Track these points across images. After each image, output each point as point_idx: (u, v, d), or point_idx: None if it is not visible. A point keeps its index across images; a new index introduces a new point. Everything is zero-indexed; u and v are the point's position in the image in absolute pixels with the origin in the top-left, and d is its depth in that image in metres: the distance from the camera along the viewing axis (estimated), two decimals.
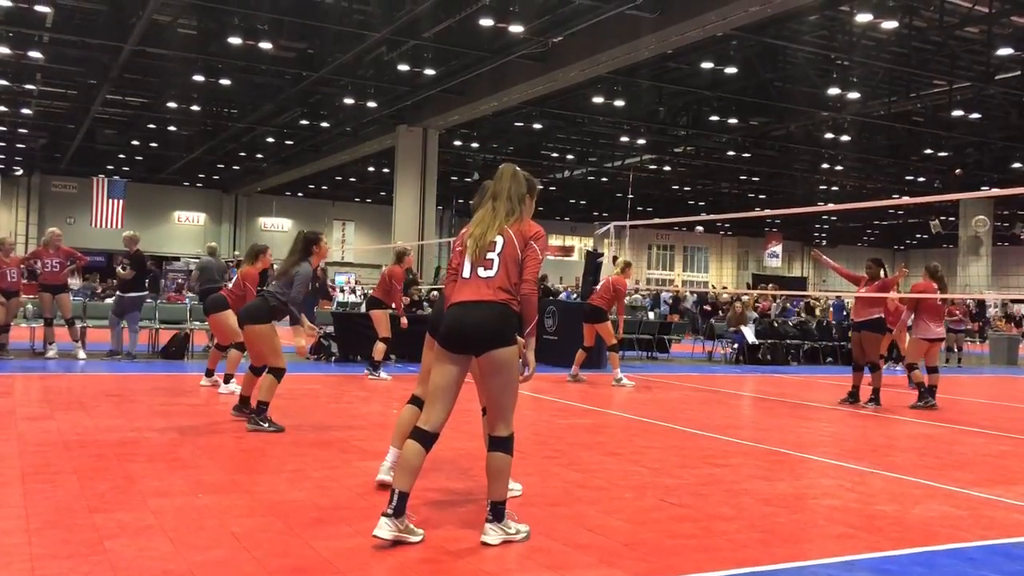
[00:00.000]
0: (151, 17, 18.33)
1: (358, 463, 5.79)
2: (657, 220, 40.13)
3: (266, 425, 6.87)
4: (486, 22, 18.58)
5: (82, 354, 12.36)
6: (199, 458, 5.77)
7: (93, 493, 4.64)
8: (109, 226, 34.12)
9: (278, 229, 49.97)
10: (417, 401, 4.82)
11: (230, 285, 9.44)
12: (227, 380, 9.28)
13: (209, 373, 9.70)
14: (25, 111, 30.55)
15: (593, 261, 16.03)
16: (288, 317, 7.14)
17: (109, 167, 40.87)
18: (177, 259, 42.44)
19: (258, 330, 7.08)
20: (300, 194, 49.33)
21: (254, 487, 4.97)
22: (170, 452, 5.90)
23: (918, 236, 55.95)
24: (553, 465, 5.99)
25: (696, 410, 9.78)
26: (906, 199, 33.54)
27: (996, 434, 8.66)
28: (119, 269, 12.67)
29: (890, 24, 18.53)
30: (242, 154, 38.60)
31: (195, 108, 29.36)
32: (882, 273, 10.78)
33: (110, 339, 12.74)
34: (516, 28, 18.45)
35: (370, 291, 19.32)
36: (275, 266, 8.05)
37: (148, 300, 13.69)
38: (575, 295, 23.49)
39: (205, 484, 4.99)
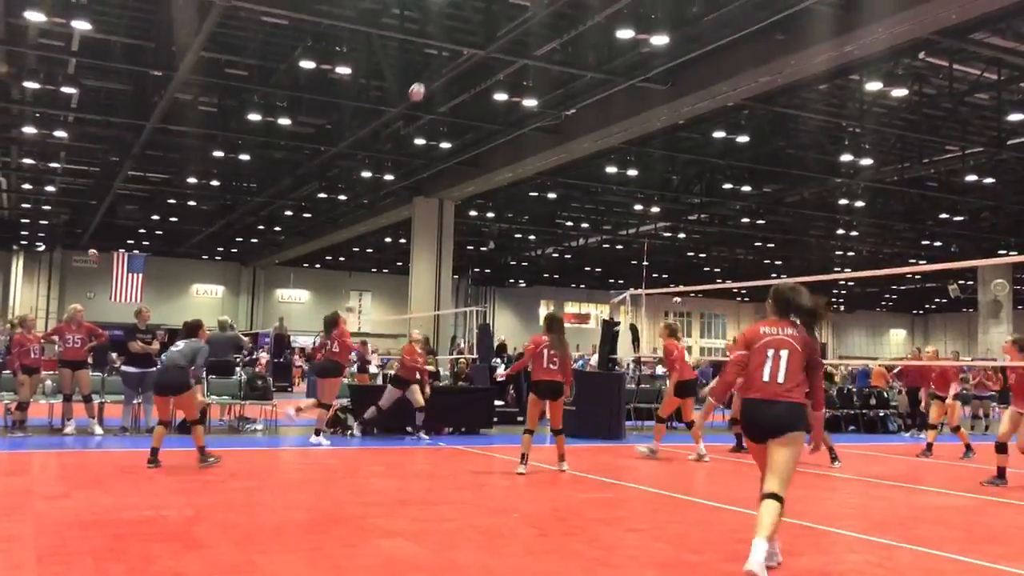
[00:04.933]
0: (173, 95, 18.79)
1: (375, 541, 5.72)
2: (671, 288, 40.16)
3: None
4: (500, 96, 18.91)
5: (99, 430, 12.35)
6: (216, 537, 5.72)
7: (110, 574, 4.59)
8: (128, 300, 34.43)
9: (295, 300, 50.25)
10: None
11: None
12: (317, 433, 11.69)
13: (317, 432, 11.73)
14: (49, 188, 31.14)
15: (610, 330, 15.99)
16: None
17: (129, 241, 41.44)
18: None
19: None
20: (317, 265, 49.74)
21: (270, 567, 4.91)
22: (187, 531, 5.85)
23: (937, 300, 55.62)
24: (573, 542, 5.89)
25: (718, 482, 9.64)
26: (923, 265, 33.41)
27: None
28: (145, 343, 12.48)
29: (900, 92, 18.73)
30: (260, 227, 39.06)
31: (214, 183, 29.85)
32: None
33: (123, 415, 12.69)
34: (530, 102, 18.76)
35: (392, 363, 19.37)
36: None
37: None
38: (591, 361, 23.38)
39: (222, 564, 4.94)
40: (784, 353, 5.04)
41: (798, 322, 5.20)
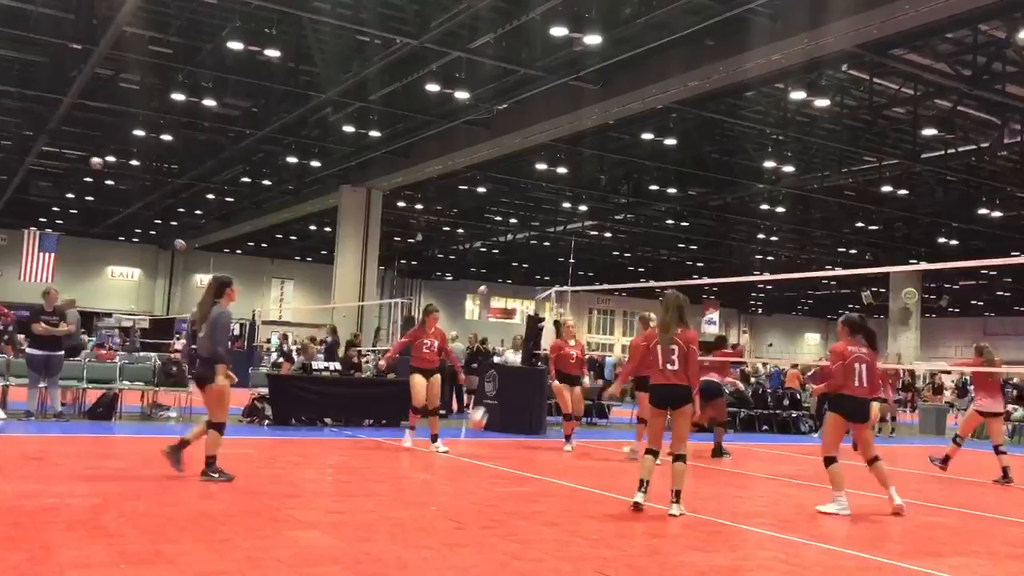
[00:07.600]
0: (93, 70, 18.17)
1: (289, 532, 5.63)
2: (597, 287, 40.63)
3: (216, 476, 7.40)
4: (433, 87, 18.82)
5: (1, 413, 11.89)
6: (123, 526, 5.55)
7: (6, 564, 4.42)
8: (38, 280, 33.26)
9: None
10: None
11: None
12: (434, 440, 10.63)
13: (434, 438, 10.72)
14: None
15: (534, 326, 16.05)
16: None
17: (42, 219, 39.97)
18: (109, 315, 41.45)
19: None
20: (239, 251, 48.73)
21: (180, 557, 4.79)
22: (92, 519, 5.67)
23: (850, 306, 57.42)
24: (490, 536, 5.90)
25: (634, 478, 9.74)
26: (838, 271, 34.48)
27: (925, 504, 8.79)
28: (51, 325, 12.08)
29: (822, 102, 19.25)
30: (181, 210, 38.14)
31: (135, 163, 28.99)
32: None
33: (28, 399, 12.24)
34: (462, 94, 18.72)
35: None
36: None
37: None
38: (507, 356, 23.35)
39: (128, 554, 4.80)
40: (864, 367, 7.70)
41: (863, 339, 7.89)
